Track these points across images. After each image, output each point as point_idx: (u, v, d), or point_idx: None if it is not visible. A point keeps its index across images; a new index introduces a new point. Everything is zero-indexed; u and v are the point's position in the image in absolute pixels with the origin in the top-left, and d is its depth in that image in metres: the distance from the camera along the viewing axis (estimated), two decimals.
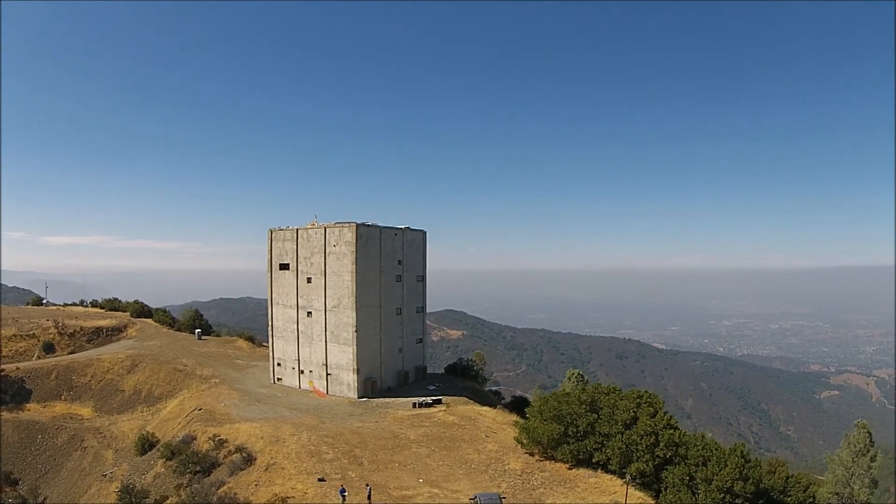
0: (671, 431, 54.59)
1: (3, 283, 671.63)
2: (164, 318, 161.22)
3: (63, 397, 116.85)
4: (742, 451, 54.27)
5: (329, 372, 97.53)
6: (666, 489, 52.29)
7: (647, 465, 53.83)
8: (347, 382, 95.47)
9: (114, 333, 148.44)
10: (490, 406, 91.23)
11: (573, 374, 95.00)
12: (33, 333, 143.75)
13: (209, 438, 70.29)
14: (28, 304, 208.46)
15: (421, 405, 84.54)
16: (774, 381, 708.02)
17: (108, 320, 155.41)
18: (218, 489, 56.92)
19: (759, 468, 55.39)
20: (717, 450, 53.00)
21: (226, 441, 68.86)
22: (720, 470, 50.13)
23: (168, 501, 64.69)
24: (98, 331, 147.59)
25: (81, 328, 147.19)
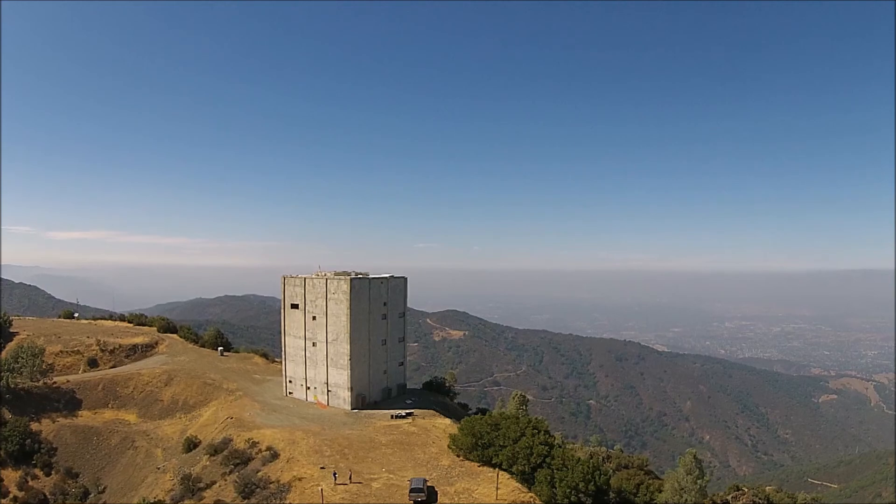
0: (542, 446, 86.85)
1: (8, 278, 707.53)
2: (189, 334, 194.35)
3: (110, 405, 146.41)
4: (595, 462, 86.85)
5: (329, 389, 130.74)
6: (536, 483, 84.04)
7: (525, 467, 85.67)
8: (343, 397, 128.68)
9: (147, 349, 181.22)
10: (454, 418, 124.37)
11: (516, 394, 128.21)
12: (78, 350, 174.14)
13: (245, 440, 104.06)
14: (60, 316, 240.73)
15: (396, 417, 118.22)
16: (773, 384, 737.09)
17: (141, 337, 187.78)
18: (257, 473, 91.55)
19: (605, 475, 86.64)
20: (571, 459, 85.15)
21: (257, 442, 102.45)
22: (569, 473, 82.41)
23: (217, 484, 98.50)
24: (134, 347, 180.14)
25: (120, 345, 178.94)
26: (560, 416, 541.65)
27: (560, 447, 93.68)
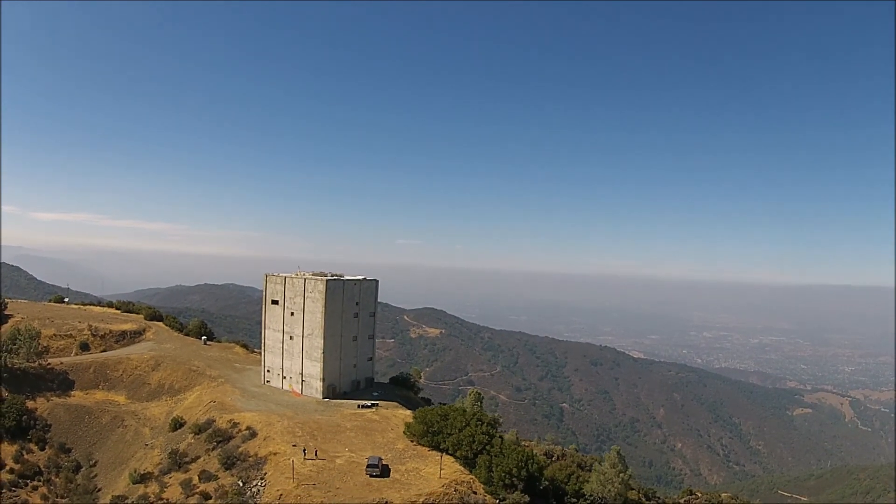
0: (483, 436, 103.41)
1: None
2: (174, 323, 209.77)
3: (101, 387, 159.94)
4: (527, 453, 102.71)
5: (303, 379, 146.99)
6: (476, 467, 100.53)
7: (468, 452, 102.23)
8: (316, 387, 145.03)
9: (136, 336, 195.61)
10: (413, 410, 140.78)
11: (473, 391, 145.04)
12: (70, 334, 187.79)
13: (226, 421, 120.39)
14: (51, 300, 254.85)
15: (362, 406, 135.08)
16: (748, 395, 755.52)
17: (129, 324, 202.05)
18: (237, 448, 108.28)
19: (538, 464, 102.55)
20: (507, 447, 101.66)
21: (238, 423, 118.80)
22: (505, 460, 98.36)
23: (201, 458, 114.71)
24: (123, 333, 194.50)
25: (110, 331, 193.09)
26: (532, 417, 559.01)
27: (500, 437, 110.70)
